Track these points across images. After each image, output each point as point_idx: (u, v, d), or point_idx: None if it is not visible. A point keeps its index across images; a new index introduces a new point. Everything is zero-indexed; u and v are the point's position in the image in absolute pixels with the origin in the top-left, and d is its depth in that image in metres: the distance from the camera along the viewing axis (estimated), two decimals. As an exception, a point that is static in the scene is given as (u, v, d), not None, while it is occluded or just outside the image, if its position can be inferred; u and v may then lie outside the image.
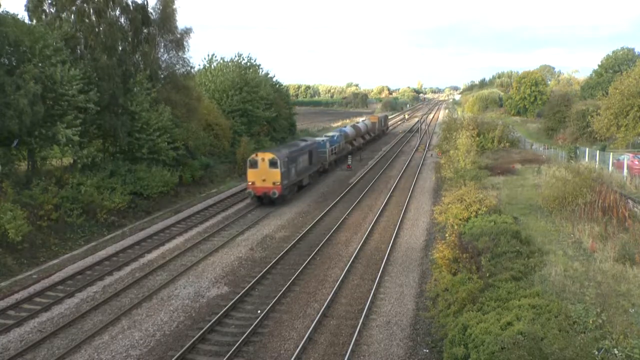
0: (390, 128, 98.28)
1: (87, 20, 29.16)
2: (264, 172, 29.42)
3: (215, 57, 52.34)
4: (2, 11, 24.83)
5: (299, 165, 32.83)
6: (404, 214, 28.50)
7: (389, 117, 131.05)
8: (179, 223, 26.98)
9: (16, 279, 19.12)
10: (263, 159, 29.51)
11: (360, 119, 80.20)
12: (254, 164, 29.67)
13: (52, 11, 29.53)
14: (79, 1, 29.34)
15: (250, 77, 49.79)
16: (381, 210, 29.21)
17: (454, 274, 16.38)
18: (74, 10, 29.32)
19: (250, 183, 29.91)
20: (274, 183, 29.41)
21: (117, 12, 31.49)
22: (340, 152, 45.91)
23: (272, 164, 29.34)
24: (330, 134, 47.13)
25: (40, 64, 24.59)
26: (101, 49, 28.67)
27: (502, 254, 16.73)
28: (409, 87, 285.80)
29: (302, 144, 36.05)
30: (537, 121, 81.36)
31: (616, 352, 9.62)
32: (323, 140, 41.67)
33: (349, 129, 53.63)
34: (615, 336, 10.29)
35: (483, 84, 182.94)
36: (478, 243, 17.61)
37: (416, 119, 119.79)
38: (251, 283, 18.24)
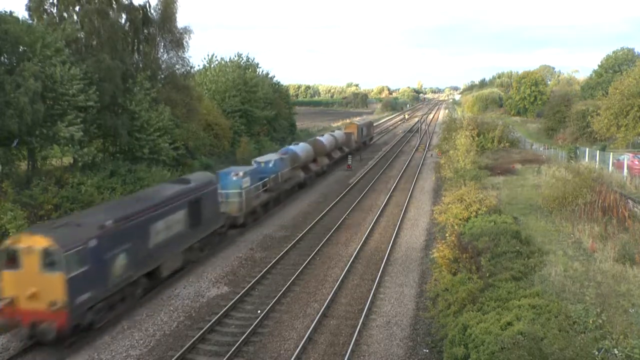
0: (391, 128, 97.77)
1: (89, 21, 29.17)
2: (31, 279, 13.41)
3: (215, 57, 52.39)
4: (2, 10, 24.83)
5: (154, 238, 16.92)
6: (404, 214, 28.50)
7: (389, 117, 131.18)
8: (179, 223, 26.88)
9: (16, 279, 19.08)
10: (29, 249, 13.45)
11: (359, 118, 75.90)
12: (13, 261, 13.62)
13: (54, 11, 29.57)
14: (82, 1, 29.41)
15: (248, 77, 49.83)
16: (381, 211, 29.21)
17: (454, 274, 16.37)
18: (77, 11, 29.38)
19: (3, 303, 13.52)
20: (51, 304, 13.21)
21: (119, 13, 31.54)
22: (279, 187, 30.26)
23: (48, 262, 13.43)
24: (264, 158, 30.98)
25: (40, 64, 24.58)
26: (103, 49, 28.69)
27: (502, 254, 16.74)
28: (409, 87, 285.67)
29: (170, 190, 19.04)
30: (537, 121, 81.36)
31: (616, 352, 9.62)
32: (236, 175, 25.23)
33: (301, 149, 36.32)
34: (615, 336, 10.29)
35: (483, 84, 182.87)
36: (478, 243, 17.62)
37: (416, 119, 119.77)
38: (251, 283, 18.25)
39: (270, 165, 29.95)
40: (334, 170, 44.80)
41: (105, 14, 29.50)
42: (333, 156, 45.42)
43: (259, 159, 30.96)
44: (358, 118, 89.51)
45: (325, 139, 43.99)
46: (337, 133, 50.10)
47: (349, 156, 48.10)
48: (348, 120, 79.44)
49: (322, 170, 41.16)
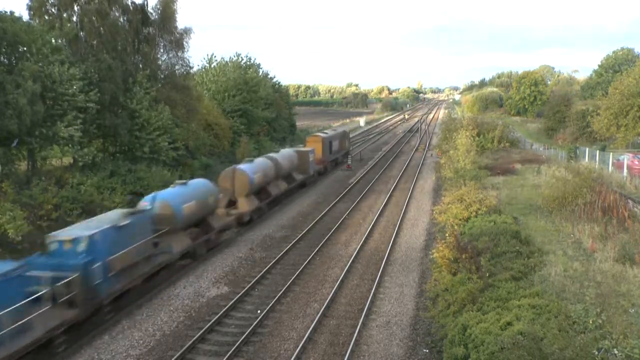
0: (391, 128, 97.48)
1: (88, 21, 29.20)
2: None
3: (215, 57, 52.46)
4: (1, 10, 24.83)
5: None
6: (403, 214, 28.50)
7: (388, 117, 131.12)
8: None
9: (16, 279, 19.09)
10: None
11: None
12: None
13: (55, 11, 29.60)
14: (81, 1, 29.45)
15: (249, 77, 49.85)
16: (381, 210, 29.20)
17: (453, 274, 16.37)
18: (76, 11, 29.43)
19: None
20: None
21: (118, 13, 31.58)
22: (97, 293, 14.64)
23: None
24: (75, 231, 15.14)
25: (40, 64, 24.56)
26: (103, 49, 28.73)
27: (502, 254, 16.74)
28: (409, 87, 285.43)
29: None
30: (537, 121, 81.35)
31: (616, 352, 9.62)
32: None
33: (187, 194, 20.61)
34: (615, 336, 10.29)
35: (483, 84, 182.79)
36: (478, 243, 17.62)
37: (416, 119, 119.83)
38: (251, 283, 18.24)
39: (81, 247, 14.48)
40: (334, 170, 44.76)
41: (105, 13, 29.53)
42: (270, 192, 28.97)
43: (60, 233, 15.22)
44: (325, 130, 58.87)
45: (255, 166, 27.22)
46: (283, 154, 32.73)
47: (349, 156, 48.02)
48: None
49: (235, 224, 24.68)
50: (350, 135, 75.84)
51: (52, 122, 25.09)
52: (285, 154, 33.17)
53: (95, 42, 29.39)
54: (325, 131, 47.97)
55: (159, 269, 18.09)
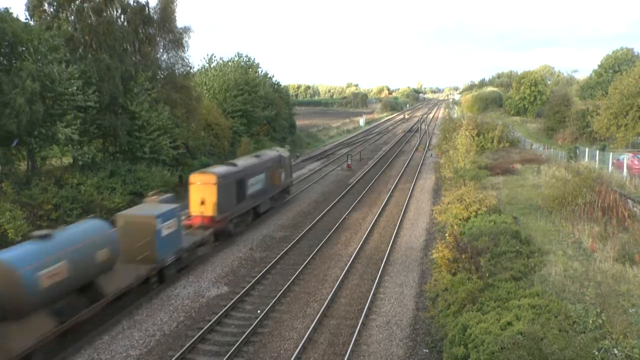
0: (390, 128, 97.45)
1: (87, 20, 29.13)
2: None
3: (215, 57, 52.47)
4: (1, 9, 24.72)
5: None
6: (403, 213, 28.50)
7: (388, 117, 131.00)
8: (178, 223, 26.62)
9: (16, 279, 19.09)
10: None
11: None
12: None
13: (52, 11, 29.54)
14: (78, 1, 29.35)
15: (250, 77, 49.86)
16: (381, 210, 29.21)
17: (453, 274, 16.35)
18: (73, 10, 29.33)
19: None
20: None
21: (117, 12, 31.52)
22: None
23: None
24: None
25: (39, 63, 24.50)
26: (100, 48, 28.67)
27: (502, 254, 16.72)
28: (408, 87, 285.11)
29: None
30: (536, 121, 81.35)
31: (616, 352, 9.62)
32: None
33: None
34: (615, 336, 10.28)
35: (483, 84, 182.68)
36: (478, 243, 17.61)
37: (416, 119, 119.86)
38: (251, 283, 18.25)
39: None
40: (334, 170, 44.73)
41: (103, 12, 29.45)
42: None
43: None
44: (238, 159, 29.50)
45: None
46: (69, 240, 13.85)
47: (349, 156, 48.01)
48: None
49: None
50: (350, 136, 76.37)
51: (51, 122, 25.05)
52: (74, 239, 14.25)
53: (93, 41, 29.32)
54: (233, 161, 26.50)
55: None
